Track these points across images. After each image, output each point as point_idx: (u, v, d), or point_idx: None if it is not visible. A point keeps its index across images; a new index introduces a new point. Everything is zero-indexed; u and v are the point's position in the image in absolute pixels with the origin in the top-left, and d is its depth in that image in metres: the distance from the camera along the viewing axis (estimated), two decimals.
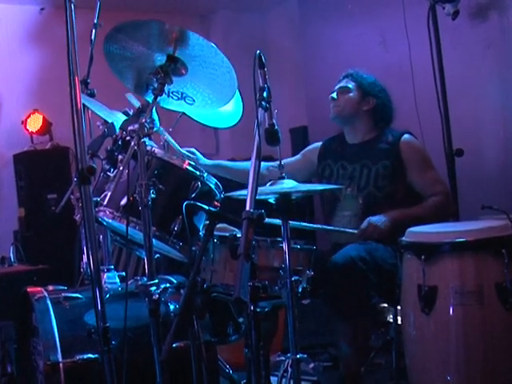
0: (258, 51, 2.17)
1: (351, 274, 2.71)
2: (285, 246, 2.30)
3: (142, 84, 2.44)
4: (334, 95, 3.22)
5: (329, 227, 3.12)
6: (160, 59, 2.34)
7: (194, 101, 2.50)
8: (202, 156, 3.21)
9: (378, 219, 2.92)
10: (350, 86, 3.20)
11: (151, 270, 2.16)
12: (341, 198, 3.15)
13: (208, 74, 2.37)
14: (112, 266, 2.74)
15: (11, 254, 4.54)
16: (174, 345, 1.92)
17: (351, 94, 3.19)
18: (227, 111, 3.07)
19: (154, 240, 2.21)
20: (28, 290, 2.48)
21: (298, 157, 3.46)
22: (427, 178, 3.06)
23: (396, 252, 2.62)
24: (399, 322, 2.78)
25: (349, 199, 3.12)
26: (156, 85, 2.31)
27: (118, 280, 2.68)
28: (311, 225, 3.07)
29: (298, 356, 2.31)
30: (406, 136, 3.12)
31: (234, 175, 3.28)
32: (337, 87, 3.25)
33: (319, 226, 3.14)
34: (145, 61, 2.37)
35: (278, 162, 2.42)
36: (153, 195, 2.17)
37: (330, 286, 2.74)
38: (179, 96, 2.48)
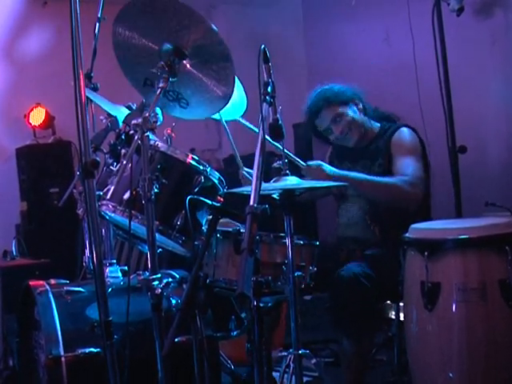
0: (263, 45, 2.16)
1: (354, 291, 2.72)
2: (288, 241, 2.30)
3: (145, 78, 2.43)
4: (337, 132, 3.12)
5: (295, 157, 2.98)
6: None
7: (187, 104, 2.46)
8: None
9: (330, 168, 2.89)
10: (336, 113, 3.10)
11: (154, 265, 2.16)
12: (348, 194, 3.17)
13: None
14: (114, 260, 2.75)
15: (13, 248, 4.53)
16: (176, 339, 1.91)
17: (346, 117, 3.09)
18: (232, 103, 3.05)
19: (156, 234, 2.20)
20: (30, 283, 2.48)
21: None
22: (403, 162, 2.99)
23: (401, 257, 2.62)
24: (401, 318, 2.78)
25: (354, 195, 3.13)
26: (160, 79, 2.30)
27: (120, 274, 2.68)
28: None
29: (300, 352, 2.32)
30: (399, 130, 3.09)
31: None
32: (327, 125, 3.13)
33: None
34: (149, 53, 2.36)
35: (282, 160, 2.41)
36: (156, 189, 2.16)
37: (334, 301, 2.78)
38: (174, 97, 2.45)
